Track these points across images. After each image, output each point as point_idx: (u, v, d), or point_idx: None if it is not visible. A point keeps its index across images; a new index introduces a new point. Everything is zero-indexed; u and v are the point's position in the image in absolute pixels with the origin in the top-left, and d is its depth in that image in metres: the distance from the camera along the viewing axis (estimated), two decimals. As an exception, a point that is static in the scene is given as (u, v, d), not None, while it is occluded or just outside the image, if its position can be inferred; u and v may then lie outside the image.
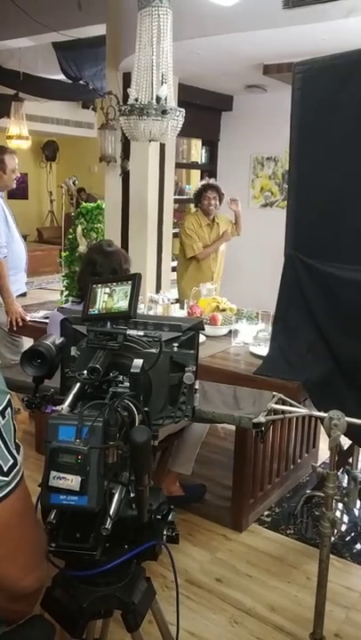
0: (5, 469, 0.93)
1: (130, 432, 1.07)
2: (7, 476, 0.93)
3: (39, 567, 1.02)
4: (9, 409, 0.97)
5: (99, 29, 4.71)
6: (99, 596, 1.31)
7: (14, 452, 0.96)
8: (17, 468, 0.95)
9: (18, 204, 10.99)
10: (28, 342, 3.73)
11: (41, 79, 6.91)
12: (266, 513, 2.99)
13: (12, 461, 0.94)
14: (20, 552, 0.98)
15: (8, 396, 0.98)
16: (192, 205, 4.83)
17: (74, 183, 10.55)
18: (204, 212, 4.73)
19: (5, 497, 0.93)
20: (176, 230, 5.71)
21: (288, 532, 2.84)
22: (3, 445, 0.93)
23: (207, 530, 2.82)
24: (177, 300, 4.02)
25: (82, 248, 5.95)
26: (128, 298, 1.23)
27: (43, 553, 1.06)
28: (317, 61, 2.54)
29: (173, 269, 5.17)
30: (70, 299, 4.01)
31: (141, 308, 3.33)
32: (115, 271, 2.45)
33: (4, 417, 0.95)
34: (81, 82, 6.30)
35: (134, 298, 1.23)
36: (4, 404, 0.96)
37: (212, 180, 4.92)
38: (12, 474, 0.94)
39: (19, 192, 12.01)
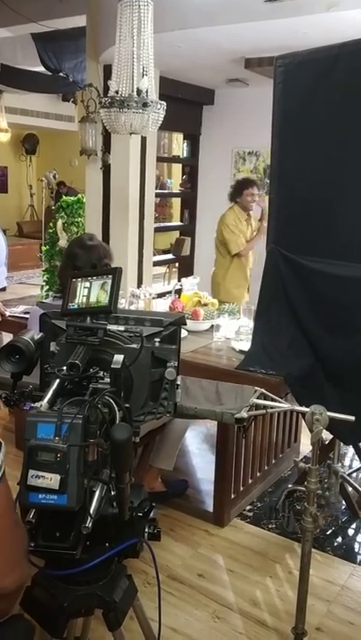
0: None
1: (110, 430, 1.05)
2: None
3: (19, 567, 1.00)
4: None
5: (79, 20, 4.65)
6: (79, 595, 1.29)
7: None
8: None
9: (-3, 197, 10.89)
10: (7, 337, 3.68)
11: (20, 71, 6.82)
12: (248, 508, 2.99)
13: None
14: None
15: None
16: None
17: (54, 177, 10.46)
18: (243, 207, 4.65)
19: None
20: (158, 225, 5.68)
21: (270, 526, 2.84)
22: None
23: (189, 525, 2.81)
24: (220, 302, 3.70)
25: (62, 242, 5.91)
26: (108, 292, 1.21)
27: (23, 553, 1.04)
28: (298, 55, 2.53)
29: (155, 264, 5.14)
30: (51, 294, 3.96)
31: (122, 303, 3.30)
32: (94, 266, 2.42)
33: None
34: (61, 74, 6.22)
35: (115, 292, 1.21)
36: None
37: (252, 176, 4.88)
38: None
39: (-2, 186, 11.90)
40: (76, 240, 2.66)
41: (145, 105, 2.81)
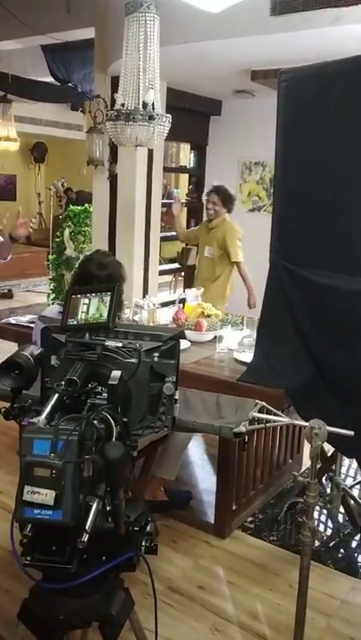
0: None
1: (104, 448, 1.07)
2: None
3: None
4: None
5: (87, 33, 4.70)
6: (76, 608, 1.30)
7: None
8: None
9: (6, 205, 10.95)
10: (9, 345, 3.66)
11: (29, 81, 6.89)
12: (249, 519, 2.98)
13: None
14: None
15: None
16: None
17: (62, 185, 10.53)
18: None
19: None
20: (165, 234, 5.67)
21: (271, 538, 2.84)
22: None
23: (190, 536, 2.81)
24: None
25: (69, 251, 5.95)
26: (107, 308, 1.23)
27: None
28: (301, 70, 2.55)
29: (161, 273, 5.15)
30: (57, 302, 3.97)
31: (127, 313, 3.32)
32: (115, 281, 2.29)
33: None
34: (70, 84, 6.28)
35: (113, 309, 1.23)
36: None
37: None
38: None
39: (7, 193, 11.98)
40: (90, 259, 2.46)
41: (150, 118, 2.84)
